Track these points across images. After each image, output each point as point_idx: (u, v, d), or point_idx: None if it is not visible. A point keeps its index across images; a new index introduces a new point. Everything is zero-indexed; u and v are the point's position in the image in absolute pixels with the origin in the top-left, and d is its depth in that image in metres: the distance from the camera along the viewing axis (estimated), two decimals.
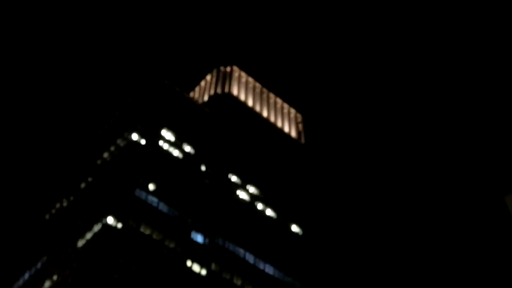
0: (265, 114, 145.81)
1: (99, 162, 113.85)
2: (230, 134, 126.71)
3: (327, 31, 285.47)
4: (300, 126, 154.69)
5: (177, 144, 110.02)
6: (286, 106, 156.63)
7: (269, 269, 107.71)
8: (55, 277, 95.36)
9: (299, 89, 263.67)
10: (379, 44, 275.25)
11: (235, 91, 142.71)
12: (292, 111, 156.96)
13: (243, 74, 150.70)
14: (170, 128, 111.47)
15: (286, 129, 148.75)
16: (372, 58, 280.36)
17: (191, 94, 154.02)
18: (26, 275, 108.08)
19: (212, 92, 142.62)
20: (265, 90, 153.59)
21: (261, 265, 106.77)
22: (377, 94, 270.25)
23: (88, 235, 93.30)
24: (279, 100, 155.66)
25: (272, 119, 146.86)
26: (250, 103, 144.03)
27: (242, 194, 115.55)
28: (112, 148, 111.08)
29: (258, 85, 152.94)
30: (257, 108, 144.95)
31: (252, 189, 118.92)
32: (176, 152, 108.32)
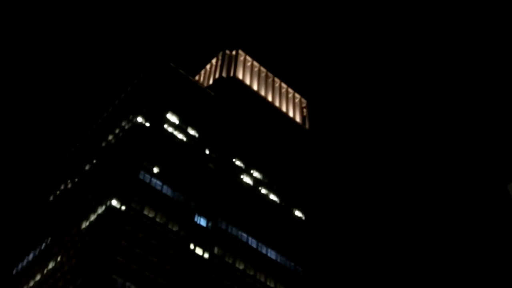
0: (270, 98, 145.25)
1: (103, 144, 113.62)
2: (234, 118, 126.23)
3: (334, 15, 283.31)
4: (305, 111, 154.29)
5: (181, 128, 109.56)
6: (291, 91, 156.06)
7: (272, 254, 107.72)
8: (59, 258, 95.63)
9: (305, 74, 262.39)
10: (387, 32, 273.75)
11: (240, 75, 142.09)
12: (297, 96, 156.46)
13: (248, 58, 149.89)
14: (174, 111, 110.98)
15: (290, 114, 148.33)
16: (379, 45, 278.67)
17: (196, 78, 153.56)
18: (31, 256, 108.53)
19: (217, 75, 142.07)
20: (270, 74, 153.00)
21: (263, 250, 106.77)
22: (382, 81, 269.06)
23: (92, 217, 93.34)
24: (284, 85, 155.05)
25: (277, 103, 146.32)
26: (255, 87, 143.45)
27: (245, 179, 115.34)
28: (117, 131, 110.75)
29: (263, 69, 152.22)
30: (262, 93, 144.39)
31: (256, 174, 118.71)
32: (180, 136, 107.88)
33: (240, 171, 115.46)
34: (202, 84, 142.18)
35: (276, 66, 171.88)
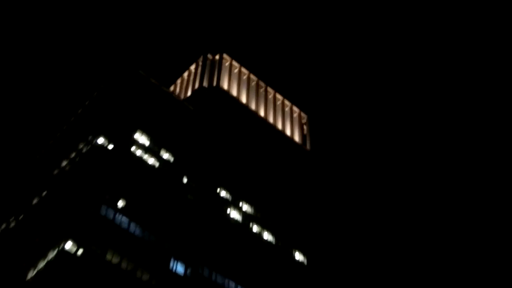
0: (262, 113, 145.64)
1: (56, 172, 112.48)
2: (218, 138, 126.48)
3: (336, 14, 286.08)
4: (305, 128, 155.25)
5: (153, 150, 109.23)
6: (288, 103, 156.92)
7: None
8: None
9: (304, 83, 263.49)
10: (391, 32, 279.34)
11: (225, 85, 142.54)
12: (296, 110, 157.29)
13: (235, 63, 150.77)
14: (144, 130, 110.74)
15: (288, 132, 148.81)
16: (385, 49, 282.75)
17: (172, 88, 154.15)
18: None
19: (197, 85, 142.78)
20: (262, 83, 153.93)
21: None
22: (395, 90, 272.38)
23: (41, 264, 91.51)
24: (279, 97, 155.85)
25: (271, 119, 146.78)
26: (243, 99, 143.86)
27: (233, 213, 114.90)
28: (73, 155, 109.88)
29: (253, 77, 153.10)
30: (253, 106, 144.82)
31: (245, 207, 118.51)
32: (151, 160, 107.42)
33: (226, 203, 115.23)
34: (179, 96, 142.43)
35: (269, 73, 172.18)
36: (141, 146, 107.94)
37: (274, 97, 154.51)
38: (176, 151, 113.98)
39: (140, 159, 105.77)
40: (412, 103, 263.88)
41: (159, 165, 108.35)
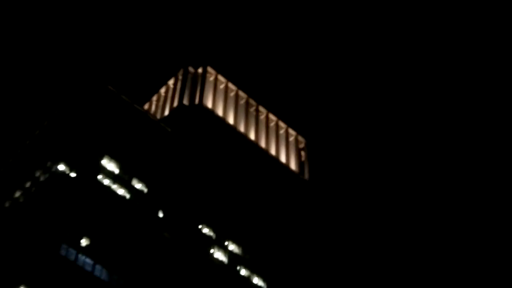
0: (252, 136, 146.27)
1: (7, 204, 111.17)
2: (201, 165, 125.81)
3: (332, 25, 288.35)
4: (303, 154, 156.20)
5: (123, 179, 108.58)
6: (283, 125, 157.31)
7: None
8: None
9: (301, 102, 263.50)
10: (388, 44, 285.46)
11: (209, 102, 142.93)
12: (292, 133, 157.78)
13: (221, 78, 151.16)
14: (113, 156, 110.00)
15: (283, 159, 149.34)
16: (388, 66, 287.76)
17: (146, 106, 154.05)
18: None
19: (175, 103, 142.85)
20: (253, 102, 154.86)
21: None
22: (404, 110, 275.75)
23: None
24: (273, 117, 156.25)
25: (262, 143, 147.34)
26: (231, 119, 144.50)
27: (218, 254, 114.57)
28: (28, 184, 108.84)
29: (243, 94, 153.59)
30: (241, 128, 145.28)
31: (232, 247, 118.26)
32: (121, 191, 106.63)
33: (210, 243, 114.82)
34: (154, 115, 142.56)
35: (261, 90, 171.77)
36: (109, 174, 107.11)
37: (267, 118, 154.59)
38: (151, 180, 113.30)
39: (108, 189, 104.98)
40: (420, 122, 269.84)
41: (130, 196, 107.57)
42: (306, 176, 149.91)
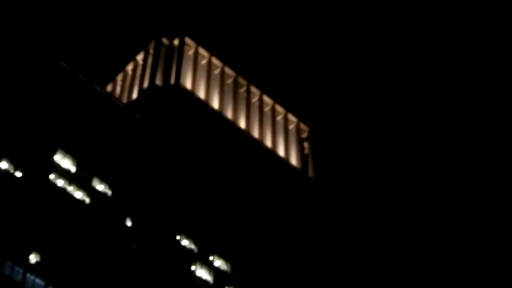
0: (242, 124, 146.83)
1: None
2: (179, 161, 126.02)
3: None
4: (306, 146, 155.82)
5: (81, 179, 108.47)
6: (281, 110, 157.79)
7: None
8: None
9: (303, 81, 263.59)
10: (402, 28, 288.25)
11: (188, 82, 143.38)
12: (292, 119, 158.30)
13: (202, 51, 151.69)
14: (68, 151, 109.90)
15: (281, 152, 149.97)
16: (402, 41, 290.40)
17: (109, 88, 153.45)
18: None
19: (146, 83, 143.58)
20: (243, 81, 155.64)
21: None
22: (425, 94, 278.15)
23: None
24: (268, 100, 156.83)
25: (255, 133, 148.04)
26: (215, 103, 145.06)
27: (200, 272, 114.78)
28: None
29: (230, 71, 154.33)
30: (229, 113, 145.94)
31: (218, 263, 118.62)
32: (79, 194, 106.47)
33: (191, 258, 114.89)
34: (120, 99, 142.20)
35: (252, 66, 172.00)
36: (63, 174, 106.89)
37: (260, 101, 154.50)
38: (116, 181, 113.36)
39: (62, 192, 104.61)
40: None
41: (90, 200, 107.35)
42: (311, 173, 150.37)
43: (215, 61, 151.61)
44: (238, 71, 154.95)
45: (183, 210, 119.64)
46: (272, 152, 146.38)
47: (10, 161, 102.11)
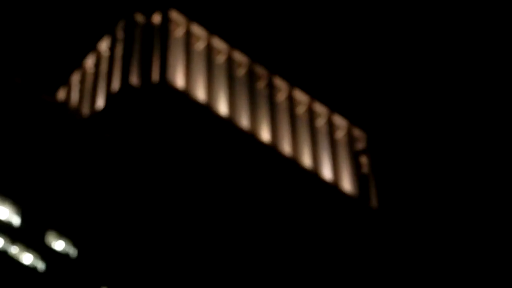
0: (265, 134, 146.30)
1: None
2: (174, 196, 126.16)
3: None
4: (364, 161, 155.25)
5: (29, 235, 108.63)
6: (322, 110, 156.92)
7: None
8: None
9: (350, 67, 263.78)
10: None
11: (178, 78, 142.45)
12: (340, 122, 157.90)
13: (197, 30, 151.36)
14: (6, 195, 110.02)
15: (326, 174, 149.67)
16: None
17: (61, 94, 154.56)
18: None
19: (116, 83, 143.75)
20: (261, 70, 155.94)
21: None
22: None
23: None
24: (301, 96, 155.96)
25: (284, 146, 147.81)
26: (222, 106, 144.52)
27: None
28: None
29: (241, 58, 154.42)
30: (243, 120, 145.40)
31: None
32: (28, 257, 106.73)
33: None
34: (78, 109, 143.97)
35: (273, 49, 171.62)
36: (3, 229, 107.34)
37: (290, 98, 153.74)
38: (81, 237, 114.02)
39: (2, 255, 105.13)
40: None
41: (46, 265, 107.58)
42: (374, 202, 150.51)
43: (217, 43, 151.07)
44: (254, 57, 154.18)
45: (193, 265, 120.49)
46: (312, 173, 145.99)
47: None
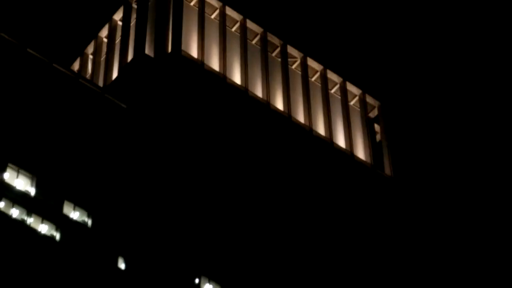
0: (279, 103, 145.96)
1: None
2: (187, 169, 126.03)
3: None
4: (379, 129, 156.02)
5: (45, 205, 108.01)
6: (335, 78, 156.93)
7: None
8: None
9: (363, 36, 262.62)
10: None
11: (193, 48, 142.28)
12: (354, 91, 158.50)
13: (212, 0, 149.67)
14: (22, 165, 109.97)
15: (340, 141, 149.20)
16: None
17: (76, 66, 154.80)
18: None
19: (130, 54, 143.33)
20: (275, 40, 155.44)
21: None
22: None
23: None
24: (315, 65, 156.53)
25: (299, 116, 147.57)
26: (236, 76, 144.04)
27: None
28: None
29: (256, 27, 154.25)
30: (257, 90, 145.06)
31: None
32: (44, 227, 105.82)
33: None
34: (93, 80, 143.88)
35: (286, 18, 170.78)
36: (19, 199, 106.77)
37: (304, 67, 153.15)
38: (97, 206, 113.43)
39: (19, 225, 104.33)
40: None
41: (61, 236, 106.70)
42: (388, 170, 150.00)
43: (231, 13, 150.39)
44: (267, 27, 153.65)
45: (200, 242, 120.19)
46: (328, 141, 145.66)
47: None
